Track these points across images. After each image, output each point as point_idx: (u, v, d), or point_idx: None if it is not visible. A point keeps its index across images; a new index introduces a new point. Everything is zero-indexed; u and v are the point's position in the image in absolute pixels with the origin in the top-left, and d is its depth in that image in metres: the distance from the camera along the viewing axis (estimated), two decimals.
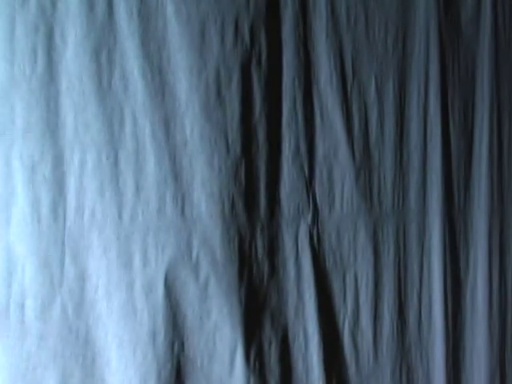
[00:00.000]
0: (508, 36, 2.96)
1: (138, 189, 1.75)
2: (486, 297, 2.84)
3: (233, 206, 1.95)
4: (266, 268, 2.05)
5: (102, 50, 1.70)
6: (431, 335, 2.60)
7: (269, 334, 2.05)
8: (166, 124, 1.81)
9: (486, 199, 2.84)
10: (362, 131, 2.36)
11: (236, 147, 1.96)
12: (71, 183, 1.64)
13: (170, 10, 1.82)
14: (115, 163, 1.71)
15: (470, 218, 2.82)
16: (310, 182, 2.20)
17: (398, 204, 2.50)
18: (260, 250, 2.03)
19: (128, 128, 1.74)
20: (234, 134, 1.96)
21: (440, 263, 2.62)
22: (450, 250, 2.70)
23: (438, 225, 2.61)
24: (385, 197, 2.44)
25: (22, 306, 1.58)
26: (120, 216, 1.72)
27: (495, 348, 2.87)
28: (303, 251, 2.16)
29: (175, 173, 1.83)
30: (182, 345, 1.84)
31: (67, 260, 1.63)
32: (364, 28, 2.37)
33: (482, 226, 2.84)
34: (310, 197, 2.20)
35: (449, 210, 2.70)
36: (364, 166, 2.37)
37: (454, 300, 2.73)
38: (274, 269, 2.08)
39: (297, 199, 2.15)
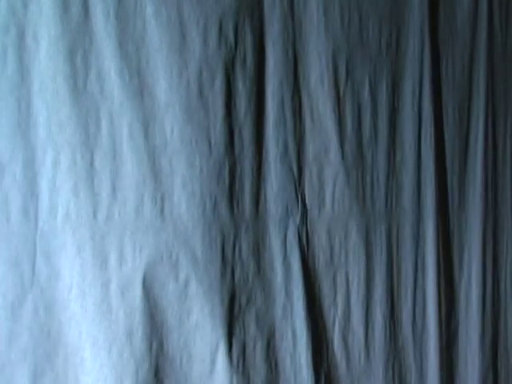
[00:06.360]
0: (504, 36, 2.95)
1: (114, 189, 1.76)
2: (479, 297, 2.83)
3: (215, 206, 1.95)
4: (251, 268, 2.05)
5: (77, 51, 1.70)
6: (425, 335, 2.60)
7: (254, 334, 2.05)
8: (145, 124, 1.82)
9: (480, 199, 2.83)
10: (354, 131, 2.35)
11: (219, 147, 1.96)
12: (44, 183, 1.65)
13: (149, 11, 1.82)
14: (90, 163, 1.72)
15: (464, 218, 2.81)
16: (298, 182, 2.19)
17: (391, 204, 2.49)
18: (244, 250, 2.03)
19: (104, 128, 1.74)
20: (217, 135, 1.96)
21: (434, 263, 2.61)
22: (444, 251, 2.70)
23: (431, 225, 2.60)
24: (378, 197, 2.44)
25: None
26: (95, 216, 1.72)
27: (488, 348, 2.86)
28: (292, 251, 2.16)
29: (154, 173, 1.83)
30: (161, 344, 1.85)
31: (39, 260, 1.64)
32: (358, 28, 2.36)
33: (477, 226, 2.83)
34: (299, 197, 2.19)
35: (443, 210, 2.69)
36: (356, 166, 2.36)
37: (448, 300, 2.73)
38: (259, 268, 2.08)
39: (285, 199, 2.15)
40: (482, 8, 2.85)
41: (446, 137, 2.73)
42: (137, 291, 1.79)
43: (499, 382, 2.92)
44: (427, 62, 2.59)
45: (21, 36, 1.62)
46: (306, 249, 2.20)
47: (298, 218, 2.18)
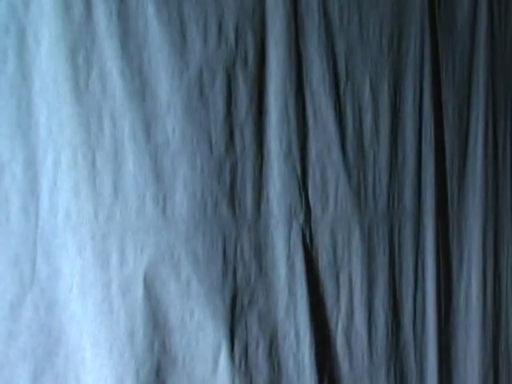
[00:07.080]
0: (503, 37, 2.95)
1: (115, 189, 1.75)
2: (479, 297, 2.83)
3: (216, 206, 1.95)
4: (253, 268, 2.05)
5: (79, 51, 1.70)
6: (425, 335, 2.60)
7: (256, 334, 2.05)
8: (147, 124, 1.81)
9: (480, 199, 2.84)
10: (356, 131, 2.35)
11: (220, 147, 1.96)
12: (44, 183, 1.64)
13: (150, 10, 1.82)
14: (92, 163, 1.72)
15: (464, 218, 2.81)
16: (302, 182, 2.19)
17: (393, 204, 2.49)
18: (246, 250, 2.03)
19: (106, 128, 1.74)
20: (218, 135, 1.96)
21: (434, 263, 2.61)
22: (443, 250, 2.70)
23: (432, 225, 2.60)
24: (380, 197, 2.43)
25: None
26: (96, 216, 1.72)
27: (488, 348, 2.86)
28: (295, 251, 2.16)
29: (156, 173, 1.83)
30: (163, 344, 1.84)
31: (39, 259, 1.63)
32: (358, 29, 2.36)
33: (477, 226, 2.83)
34: (303, 196, 2.19)
35: (443, 210, 2.69)
36: (358, 166, 2.36)
37: (448, 300, 2.73)
38: (262, 269, 2.08)
39: (289, 199, 2.15)
40: (481, 8, 2.86)
41: (446, 137, 2.74)
42: (138, 291, 1.79)
43: (500, 382, 2.91)
44: (428, 62, 2.59)
45: (21, 36, 1.61)
46: (309, 249, 2.20)
47: (301, 218, 2.18)
